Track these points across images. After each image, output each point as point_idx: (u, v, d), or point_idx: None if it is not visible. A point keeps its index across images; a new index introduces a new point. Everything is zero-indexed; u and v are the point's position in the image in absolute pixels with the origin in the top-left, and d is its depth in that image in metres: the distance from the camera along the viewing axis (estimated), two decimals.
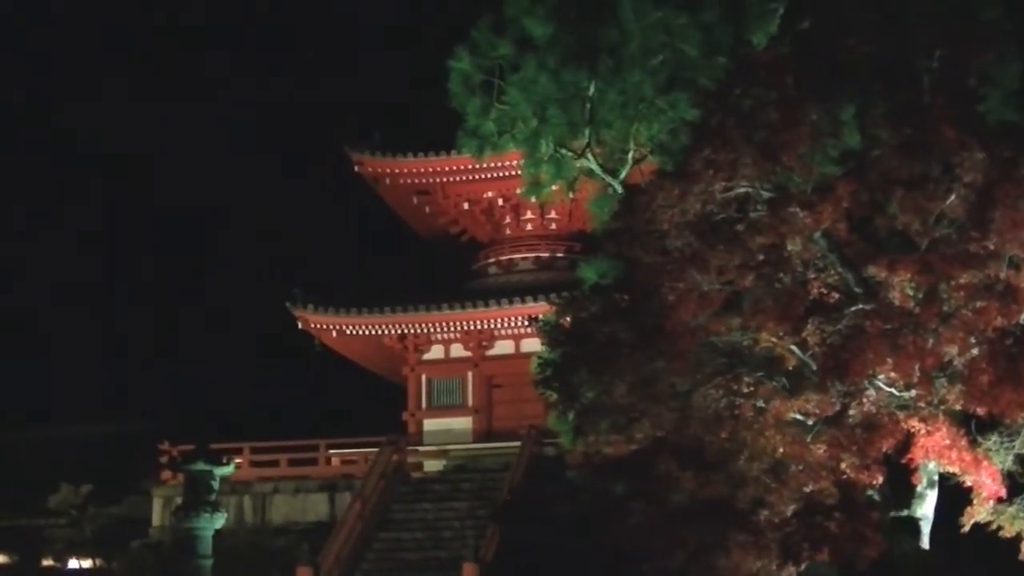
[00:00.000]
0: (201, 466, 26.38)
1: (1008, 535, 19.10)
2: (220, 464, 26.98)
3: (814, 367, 17.26)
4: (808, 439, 17.31)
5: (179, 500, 36.98)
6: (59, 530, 42.21)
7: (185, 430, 39.91)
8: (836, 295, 17.50)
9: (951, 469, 17.55)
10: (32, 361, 60.01)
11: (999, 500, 18.32)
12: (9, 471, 44.40)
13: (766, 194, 16.81)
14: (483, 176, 41.31)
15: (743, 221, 16.72)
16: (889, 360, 15.76)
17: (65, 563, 42.93)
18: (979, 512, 18.72)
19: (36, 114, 72.78)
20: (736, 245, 16.25)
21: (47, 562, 42.99)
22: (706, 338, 17.15)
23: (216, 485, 26.39)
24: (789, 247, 16.66)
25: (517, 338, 41.58)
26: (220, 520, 26.46)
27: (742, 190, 16.87)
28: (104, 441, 47.31)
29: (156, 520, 40.48)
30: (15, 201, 65.92)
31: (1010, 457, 18.35)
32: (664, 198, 16.81)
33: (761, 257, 16.45)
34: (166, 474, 40.46)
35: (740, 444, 17.19)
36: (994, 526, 19.05)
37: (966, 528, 18.96)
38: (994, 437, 18.16)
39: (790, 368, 17.59)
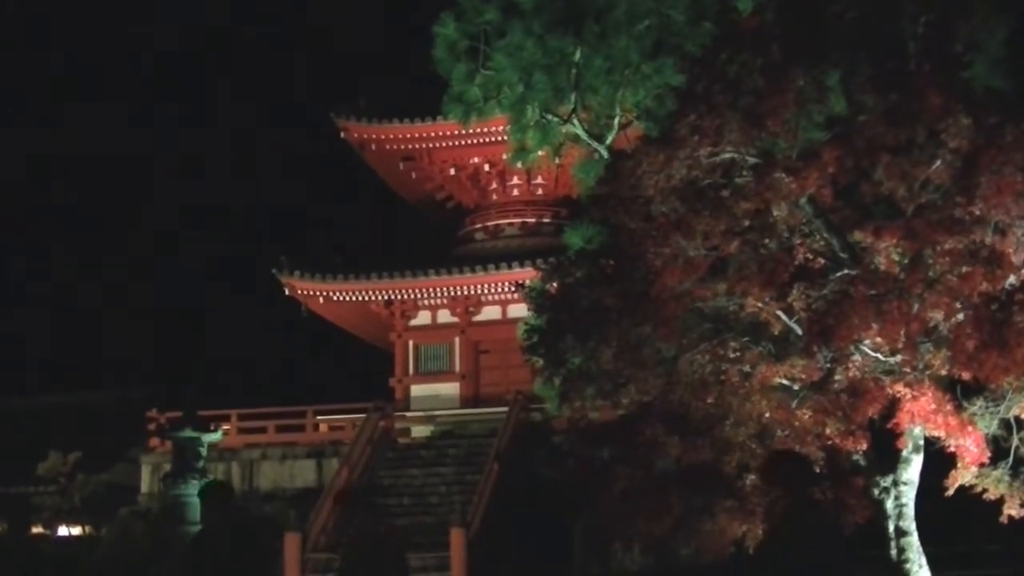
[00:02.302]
0: (189, 433, 26.62)
1: (992, 497, 19.21)
2: (208, 431, 27.23)
3: (799, 332, 17.30)
4: (794, 404, 17.38)
5: (167, 467, 37.38)
6: (47, 498, 42.19)
7: (172, 398, 40.06)
8: (821, 261, 17.50)
9: (936, 434, 17.59)
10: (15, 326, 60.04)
11: (982, 464, 18.40)
12: None
13: (752, 160, 16.77)
14: (469, 142, 41.28)
15: (728, 187, 16.70)
16: (875, 325, 15.76)
17: (55, 530, 42.94)
18: (964, 476, 18.81)
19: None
20: (721, 211, 16.22)
21: (37, 529, 42.99)
22: (691, 304, 17.15)
23: (204, 452, 26.65)
24: (775, 213, 16.66)
25: (504, 304, 41.68)
26: None
27: (727, 156, 16.81)
28: (92, 409, 47.26)
29: (144, 487, 40.52)
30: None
31: (995, 422, 18.40)
32: (649, 164, 16.75)
33: (747, 223, 16.44)
34: (154, 441, 40.49)
35: (726, 409, 17.25)
36: (978, 489, 19.15)
37: (950, 491, 19.07)
38: (979, 402, 18.19)
39: (776, 334, 17.62)
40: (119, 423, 43.20)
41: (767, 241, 16.56)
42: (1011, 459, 18.95)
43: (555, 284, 20.52)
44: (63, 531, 43.47)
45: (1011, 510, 19.03)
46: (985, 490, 19.12)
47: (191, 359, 54.46)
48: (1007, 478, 19.06)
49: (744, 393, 17.04)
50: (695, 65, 17.90)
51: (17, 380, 53.43)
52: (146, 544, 33.55)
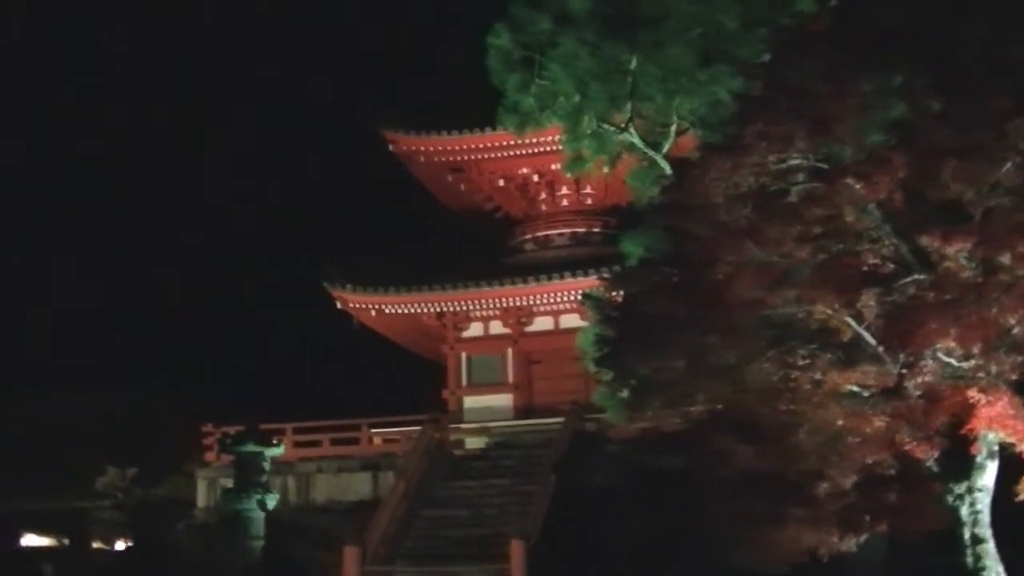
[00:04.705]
0: (251, 447, 26.69)
1: None
2: (270, 445, 27.30)
3: (869, 339, 17.20)
4: (866, 411, 17.24)
5: (224, 481, 37.52)
6: (105, 512, 42.43)
7: (226, 411, 40.20)
8: (890, 266, 17.38)
9: (1011, 439, 17.40)
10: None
11: None
12: (55, 454, 44.66)
13: (819, 166, 16.70)
14: (518, 152, 41.16)
15: (797, 193, 16.62)
16: (952, 331, 15.66)
17: (112, 545, 43.17)
18: None
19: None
20: (793, 217, 16.17)
21: (96, 544, 43.25)
22: (761, 311, 17.07)
23: (267, 466, 26.71)
24: (846, 218, 16.57)
25: (556, 314, 41.59)
26: (271, 500, 26.78)
27: (795, 162, 16.78)
28: (146, 421, 47.50)
29: (201, 502, 40.61)
30: None
31: None
32: (716, 171, 16.72)
33: (818, 229, 16.38)
34: (210, 455, 40.67)
35: (798, 417, 17.15)
36: None
37: (1022, 497, 18.83)
38: None
39: (844, 340, 17.52)
40: (172, 436, 43.29)
41: (839, 246, 16.47)
42: None
43: (619, 294, 20.49)
44: (121, 545, 43.69)
45: None
46: None
47: (244, 372, 54.42)
48: None
49: (817, 401, 16.93)
50: (759, 72, 17.80)
51: (70, 384, 53.45)
52: (205, 559, 33.63)
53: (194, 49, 70.49)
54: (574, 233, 43.60)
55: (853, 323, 17.24)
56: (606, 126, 24.63)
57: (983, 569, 18.48)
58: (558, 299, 40.36)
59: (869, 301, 16.70)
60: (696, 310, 17.50)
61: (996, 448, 18.49)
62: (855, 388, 17.52)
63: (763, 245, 16.38)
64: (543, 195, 44.17)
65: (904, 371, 16.70)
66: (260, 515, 25.50)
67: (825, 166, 16.64)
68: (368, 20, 68.61)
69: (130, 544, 42.34)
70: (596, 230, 43.27)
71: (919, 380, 16.66)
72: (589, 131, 24.87)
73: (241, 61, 68.72)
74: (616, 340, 19.24)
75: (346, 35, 68.22)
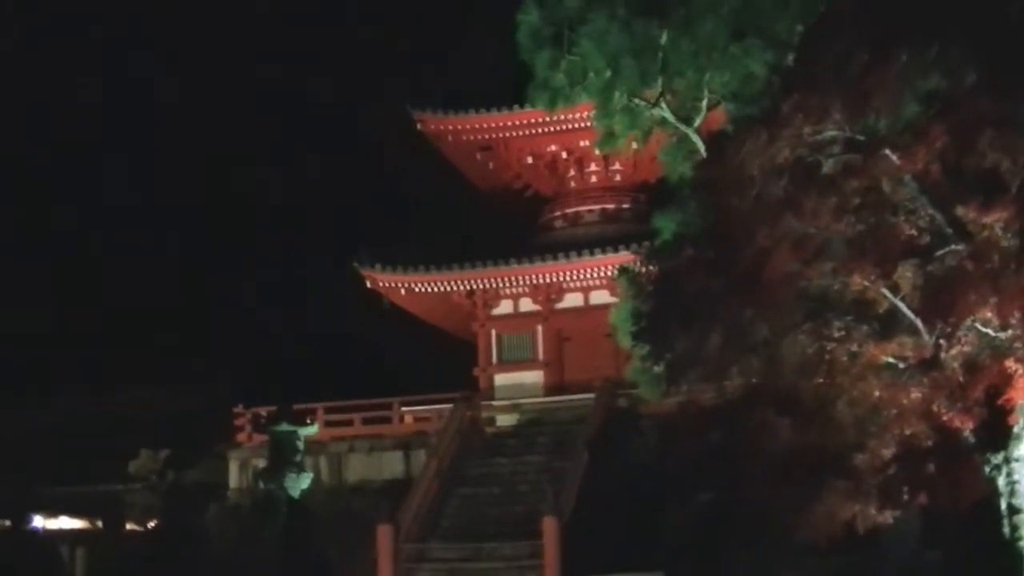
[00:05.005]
0: (286, 427, 26.76)
1: None
2: (304, 424, 27.36)
3: (906, 310, 17.18)
4: (903, 383, 17.21)
5: (255, 462, 37.71)
6: (138, 495, 42.66)
7: (256, 394, 40.38)
8: (927, 238, 17.33)
9: None
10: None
11: None
12: (88, 439, 44.89)
13: (857, 137, 16.65)
14: (546, 130, 41.25)
15: (834, 165, 16.59)
16: (991, 301, 15.62)
17: (146, 527, 43.42)
18: None
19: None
20: (830, 189, 16.13)
21: (130, 526, 43.50)
22: (798, 285, 17.05)
23: (301, 446, 26.80)
24: (884, 189, 16.53)
25: (586, 291, 41.67)
26: (306, 480, 26.82)
27: (831, 134, 16.73)
28: (177, 407, 47.66)
29: (233, 483, 40.98)
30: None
31: None
32: (752, 144, 16.67)
33: (856, 200, 16.34)
34: (242, 436, 40.93)
35: (837, 390, 17.13)
36: None
37: None
38: None
39: (880, 312, 17.49)
40: (203, 419, 43.47)
41: (877, 218, 16.42)
42: None
43: (654, 269, 20.49)
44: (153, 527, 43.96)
45: None
46: None
47: (272, 356, 54.55)
48: None
49: (855, 373, 16.90)
50: (801, 42, 17.75)
51: (98, 377, 53.71)
52: (239, 539, 33.81)
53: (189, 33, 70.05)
54: (604, 210, 43.61)
55: (889, 295, 17.21)
56: (637, 102, 24.59)
57: (1020, 539, 18.42)
58: (588, 276, 40.46)
59: (906, 272, 16.68)
60: (733, 284, 17.47)
61: None
62: (892, 360, 17.49)
63: (800, 217, 16.33)
64: (572, 172, 44.18)
65: (941, 342, 16.65)
66: (296, 494, 25.54)
67: (862, 138, 16.57)
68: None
69: (160, 526, 42.56)
70: (626, 206, 43.30)
71: (957, 351, 16.60)
72: (620, 107, 24.83)
73: (242, 44, 68.28)
74: (652, 315, 19.25)
75: (370, 18, 67.81)
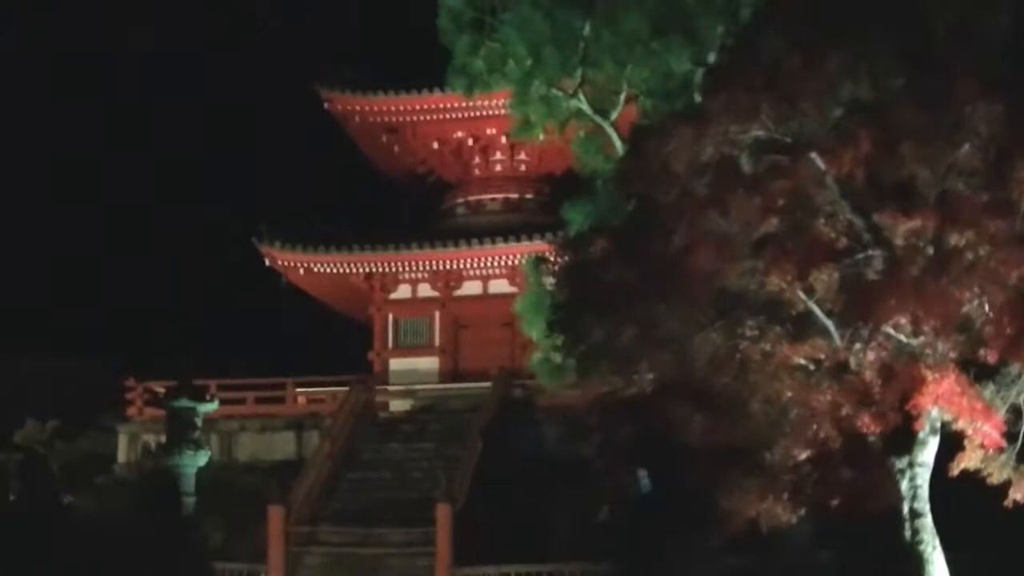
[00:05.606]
0: (185, 403, 26.41)
1: (994, 482, 19.23)
2: (203, 401, 27.05)
3: (819, 313, 17.32)
4: (815, 384, 17.34)
5: (146, 437, 37.13)
6: (20, 465, 41.67)
7: (147, 366, 39.71)
8: (845, 241, 17.47)
9: (954, 417, 17.60)
10: None
11: (989, 449, 18.41)
12: None
13: (783, 139, 16.74)
14: (455, 116, 41.06)
15: (761, 165, 16.66)
16: (910, 308, 15.78)
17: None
18: (970, 459, 18.79)
19: None
20: (756, 189, 16.20)
21: (12, 498, 42.49)
22: (720, 282, 17.10)
23: (199, 422, 26.46)
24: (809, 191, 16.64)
25: (485, 279, 41.55)
26: (203, 457, 26.53)
27: (758, 134, 16.80)
28: (63, 375, 46.73)
29: (122, 457, 40.23)
30: None
31: (1004, 407, 18.44)
32: (678, 140, 16.69)
33: (782, 201, 16.41)
34: (132, 410, 40.24)
35: (751, 388, 17.21)
36: (983, 473, 19.14)
37: (955, 473, 19.06)
38: (990, 386, 18.24)
39: (795, 314, 17.61)
40: (95, 392, 42.64)
41: (799, 220, 16.52)
42: (1019, 444, 18.94)
43: (567, 259, 20.45)
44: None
45: (1017, 494, 19.02)
46: (990, 474, 19.14)
47: (166, 328, 53.70)
48: (1013, 463, 19.07)
49: (769, 372, 17.00)
50: (734, 42, 17.83)
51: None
52: (130, 514, 33.17)
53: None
54: (507, 199, 43.55)
55: (804, 297, 17.32)
56: (556, 91, 24.62)
57: (920, 543, 18.74)
58: (488, 264, 40.45)
59: (822, 276, 16.80)
60: (648, 278, 17.47)
61: (939, 425, 18.72)
62: (804, 361, 17.63)
63: (724, 216, 16.38)
64: (477, 160, 44.05)
65: (855, 346, 16.82)
66: (192, 471, 25.19)
67: (789, 140, 16.67)
68: None
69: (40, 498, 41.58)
70: (529, 196, 43.25)
71: (874, 356, 16.78)
72: (538, 96, 24.85)
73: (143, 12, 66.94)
74: (566, 305, 19.20)
75: None
